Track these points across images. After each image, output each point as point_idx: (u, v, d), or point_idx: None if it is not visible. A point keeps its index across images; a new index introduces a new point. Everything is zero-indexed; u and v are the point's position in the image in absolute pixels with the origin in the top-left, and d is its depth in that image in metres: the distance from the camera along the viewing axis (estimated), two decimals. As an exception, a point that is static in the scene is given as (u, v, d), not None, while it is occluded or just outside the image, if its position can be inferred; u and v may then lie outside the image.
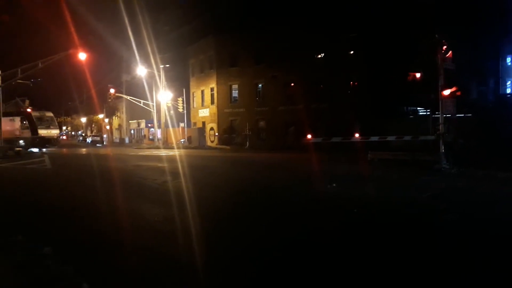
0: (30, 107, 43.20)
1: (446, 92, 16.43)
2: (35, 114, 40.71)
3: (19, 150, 28.64)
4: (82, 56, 24.60)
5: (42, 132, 39.62)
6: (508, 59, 35.99)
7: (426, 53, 17.07)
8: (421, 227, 7.41)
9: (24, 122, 39.33)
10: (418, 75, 17.71)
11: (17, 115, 39.94)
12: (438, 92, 16.69)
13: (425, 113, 30.62)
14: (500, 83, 34.48)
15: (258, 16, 37.79)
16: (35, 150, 33.98)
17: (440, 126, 16.76)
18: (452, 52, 16.94)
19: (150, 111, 46.25)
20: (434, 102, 18.48)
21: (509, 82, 36.05)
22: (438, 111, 17.12)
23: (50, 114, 43.42)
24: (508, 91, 35.62)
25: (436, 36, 16.79)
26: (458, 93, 16.77)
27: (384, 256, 5.63)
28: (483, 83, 32.20)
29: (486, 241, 6.38)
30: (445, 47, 16.64)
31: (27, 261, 5.05)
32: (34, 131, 38.77)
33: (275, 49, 36.76)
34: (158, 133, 46.81)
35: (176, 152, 31.32)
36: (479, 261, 5.47)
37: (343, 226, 7.37)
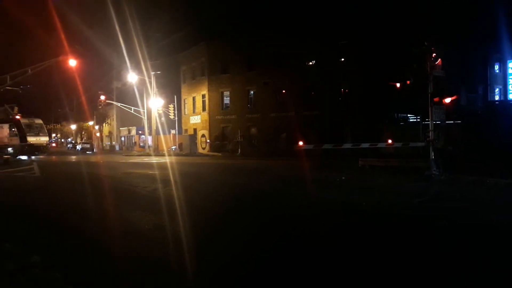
0: (19, 114, 42.62)
1: (448, 100, 16.67)
2: (24, 121, 40.17)
3: (8, 157, 28.25)
4: (72, 62, 24.42)
5: (31, 139, 39.10)
6: (496, 67, 36.58)
7: (416, 60, 17.21)
8: (411, 233, 7.44)
9: (13, 129, 38.76)
10: (401, 82, 17.96)
11: (5, 122, 39.40)
12: (428, 99, 16.83)
13: (415, 119, 30.91)
14: (488, 90, 34.99)
15: (250, 23, 38.03)
16: (24, 157, 33.56)
17: (430, 132, 16.87)
18: (441, 59, 17.11)
19: (141, 118, 46.02)
20: (424, 109, 18.64)
21: (497, 89, 36.60)
22: (428, 118, 17.27)
23: (39, 121, 42.95)
24: (497, 98, 36.14)
25: (425, 43, 16.95)
26: (447, 103, 16.96)
27: (373, 262, 5.63)
28: (472, 90, 32.58)
29: (476, 247, 6.44)
30: (434, 54, 16.81)
31: (15, 269, 4.95)
32: (23, 139, 38.20)
33: (267, 56, 36.96)
34: (149, 140, 46.51)
35: (167, 159, 31.14)
36: (467, 266, 5.50)
37: (334, 231, 7.37)
